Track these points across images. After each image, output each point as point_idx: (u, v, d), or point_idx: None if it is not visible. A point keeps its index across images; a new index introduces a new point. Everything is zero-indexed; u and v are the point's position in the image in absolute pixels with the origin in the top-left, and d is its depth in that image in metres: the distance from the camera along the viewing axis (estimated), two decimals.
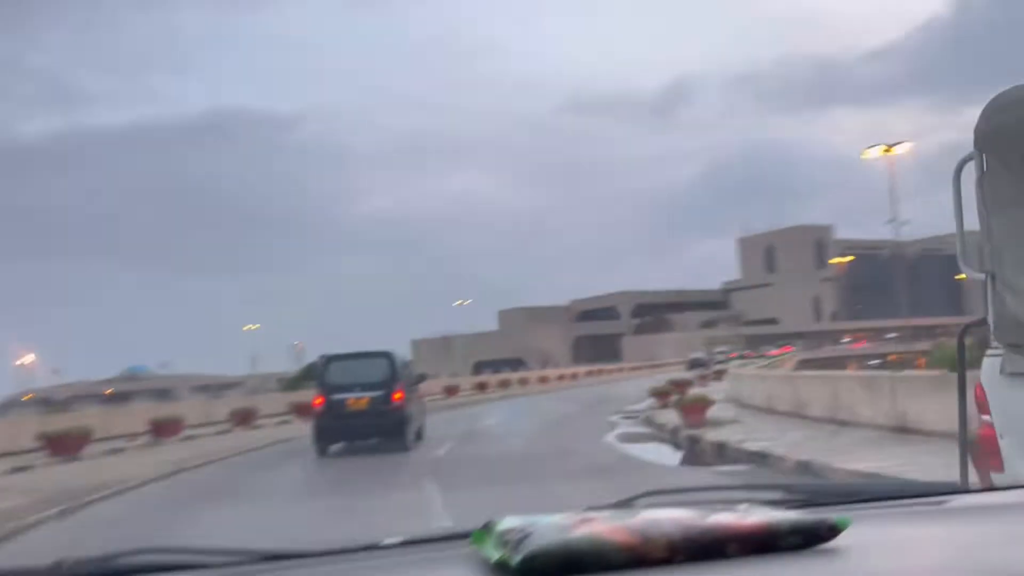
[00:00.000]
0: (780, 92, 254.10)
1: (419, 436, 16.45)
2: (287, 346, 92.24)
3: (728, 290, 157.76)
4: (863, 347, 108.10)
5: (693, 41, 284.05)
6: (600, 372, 56.18)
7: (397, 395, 14.95)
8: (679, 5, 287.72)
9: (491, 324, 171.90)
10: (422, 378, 19.92)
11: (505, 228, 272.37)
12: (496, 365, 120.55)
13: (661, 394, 20.56)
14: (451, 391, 35.66)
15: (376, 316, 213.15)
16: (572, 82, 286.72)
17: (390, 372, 15.32)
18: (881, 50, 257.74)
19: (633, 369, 63.41)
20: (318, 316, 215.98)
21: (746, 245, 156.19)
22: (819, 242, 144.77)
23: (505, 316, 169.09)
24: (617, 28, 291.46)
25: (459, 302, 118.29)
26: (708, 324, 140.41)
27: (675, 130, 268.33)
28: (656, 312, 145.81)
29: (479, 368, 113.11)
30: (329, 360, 15.94)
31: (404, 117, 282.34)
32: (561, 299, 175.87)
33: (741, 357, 71.34)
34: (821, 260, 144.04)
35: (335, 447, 15.45)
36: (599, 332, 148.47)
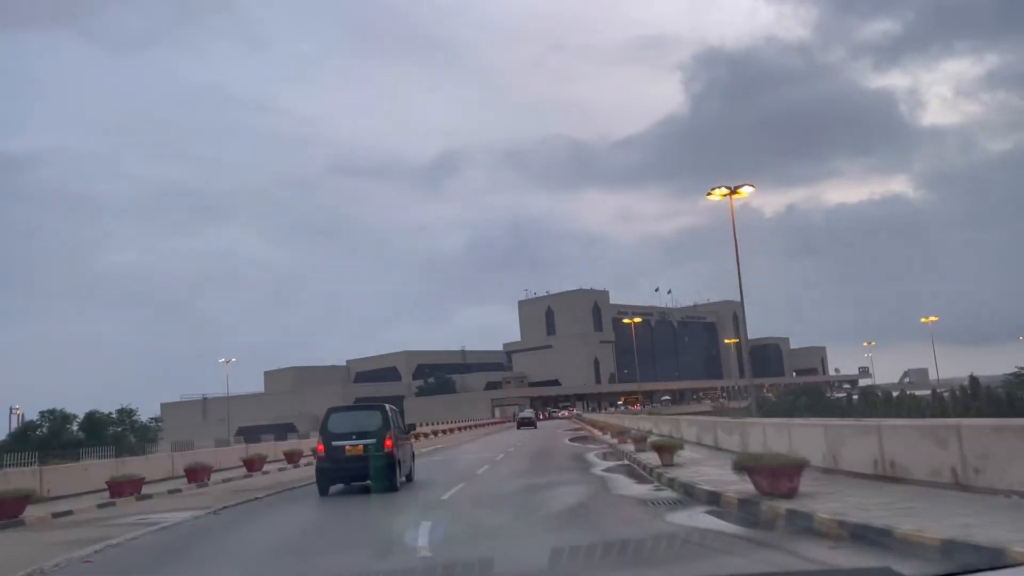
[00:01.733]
0: (542, 170, 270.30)
1: (409, 478, 18.24)
2: (5, 410, 76.34)
3: (511, 352, 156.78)
4: (638, 410, 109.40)
5: (463, 115, 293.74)
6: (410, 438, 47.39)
7: (388, 442, 16.38)
8: (451, 79, 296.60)
9: (257, 386, 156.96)
10: (412, 428, 22.79)
11: (271, 287, 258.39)
12: (260, 432, 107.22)
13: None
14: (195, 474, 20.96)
15: (121, 377, 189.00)
16: (343, 144, 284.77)
17: (382, 422, 16.78)
18: (629, 139, 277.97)
19: (448, 432, 56.56)
20: (47, 376, 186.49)
21: (526, 308, 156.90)
22: (596, 306, 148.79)
23: (272, 377, 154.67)
24: (391, 95, 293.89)
25: (223, 360, 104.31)
26: (493, 385, 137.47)
27: (444, 199, 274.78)
28: (438, 373, 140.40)
29: (242, 433, 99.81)
30: (330, 412, 17.52)
31: (161, 167, 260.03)
32: (336, 359, 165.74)
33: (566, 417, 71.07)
34: (599, 323, 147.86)
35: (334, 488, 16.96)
36: (378, 394, 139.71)
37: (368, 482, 16.40)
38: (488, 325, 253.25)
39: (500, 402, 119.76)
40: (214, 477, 22.24)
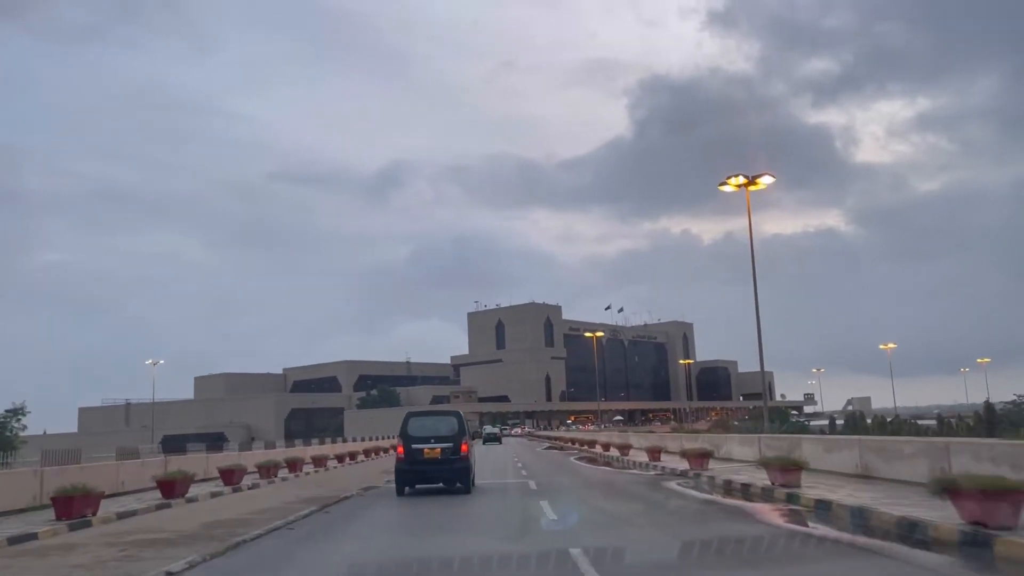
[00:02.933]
0: (489, 187, 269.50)
1: (472, 483, 18.06)
2: None
3: (458, 365, 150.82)
4: (590, 429, 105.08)
5: (411, 128, 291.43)
6: (352, 456, 38.26)
7: (464, 446, 17.18)
8: (401, 91, 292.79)
9: (186, 392, 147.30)
10: (476, 433, 24.09)
11: (209, 293, 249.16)
12: (187, 441, 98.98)
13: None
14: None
15: (42, 379, 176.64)
16: (289, 151, 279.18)
17: (459, 427, 17.50)
18: (576, 160, 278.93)
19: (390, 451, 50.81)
20: None
21: (476, 320, 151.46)
22: (548, 320, 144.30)
23: (203, 384, 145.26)
24: (339, 105, 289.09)
25: (150, 361, 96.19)
26: (439, 399, 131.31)
27: (390, 211, 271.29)
28: (382, 385, 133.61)
29: (168, 443, 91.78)
30: (409, 416, 18.09)
31: (98, 165, 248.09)
32: (274, 367, 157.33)
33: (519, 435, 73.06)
34: (550, 338, 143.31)
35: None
36: (316, 405, 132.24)
37: (441, 484, 17.36)
38: (432, 340, 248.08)
39: None
40: (107, 508, 14.62)
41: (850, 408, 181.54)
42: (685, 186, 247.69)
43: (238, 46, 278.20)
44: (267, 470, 24.55)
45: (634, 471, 24.15)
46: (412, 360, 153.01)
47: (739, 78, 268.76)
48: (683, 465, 21.37)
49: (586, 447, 44.62)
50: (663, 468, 22.88)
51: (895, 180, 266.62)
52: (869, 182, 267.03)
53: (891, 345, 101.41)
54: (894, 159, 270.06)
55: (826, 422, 72.12)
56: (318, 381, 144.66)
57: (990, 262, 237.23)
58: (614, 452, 33.78)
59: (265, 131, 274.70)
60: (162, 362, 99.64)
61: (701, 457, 20.71)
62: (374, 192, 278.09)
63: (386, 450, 47.00)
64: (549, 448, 49.73)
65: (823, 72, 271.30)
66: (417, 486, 17.63)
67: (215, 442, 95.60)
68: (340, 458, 36.89)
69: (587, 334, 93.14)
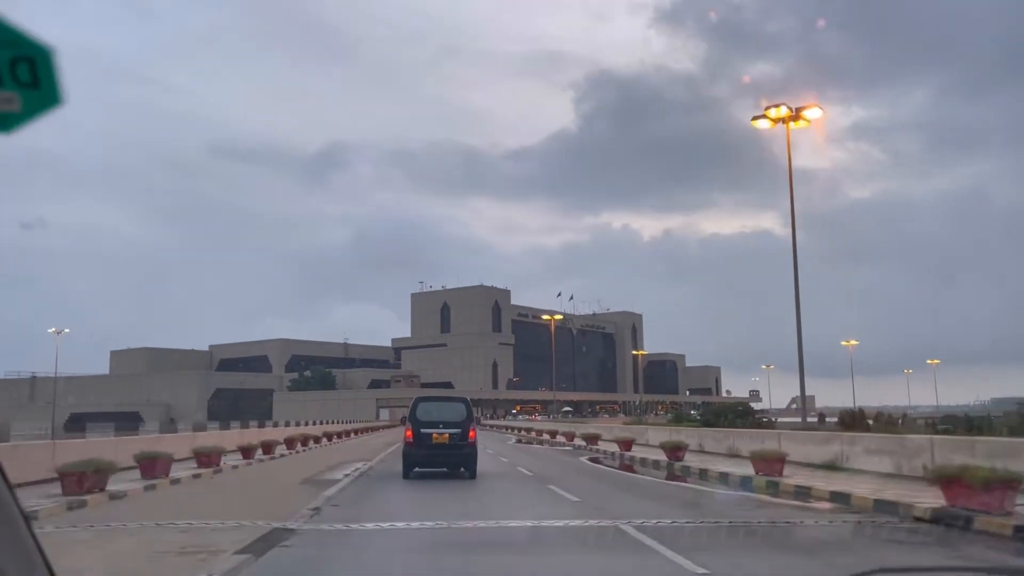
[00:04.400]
0: (431, 173, 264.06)
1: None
2: None
3: (400, 348, 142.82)
4: (537, 420, 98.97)
5: (355, 109, 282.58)
6: (268, 448, 29.31)
7: (472, 433, 17.51)
8: (346, 71, 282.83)
9: (102, 367, 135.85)
10: (478, 420, 27.05)
11: (137, 268, 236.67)
12: (98, 420, 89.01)
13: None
14: None
15: None
16: (227, 126, 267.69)
17: (466, 414, 17.87)
18: (521, 151, 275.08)
19: (330, 439, 43.14)
20: None
21: (420, 302, 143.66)
22: (497, 305, 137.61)
23: (120, 359, 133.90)
24: (281, 81, 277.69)
25: (54, 330, 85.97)
26: (379, 384, 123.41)
27: (329, 193, 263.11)
28: (317, 367, 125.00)
29: (75, 423, 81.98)
30: (418, 401, 18.39)
31: (22, 130, 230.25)
32: (200, 344, 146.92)
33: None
34: (498, 323, 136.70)
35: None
36: (244, 385, 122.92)
37: (445, 468, 17.72)
38: (371, 325, 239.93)
39: (387, 403, 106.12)
40: None
41: (794, 407, 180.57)
42: (627, 182, 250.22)
43: (178, 15, 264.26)
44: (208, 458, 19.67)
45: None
46: (352, 342, 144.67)
47: (684, 77, 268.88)
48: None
49: (573, 441, 39.30)
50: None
51: (830, 186, 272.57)
52: (805, 186, 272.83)
53: (853, 342, 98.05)
54: (829, 165, 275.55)
55: (796, 419, 67.66)
56: (247, 360, 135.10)
57: (915, 271, 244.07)
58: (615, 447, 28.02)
59: (201, 104, 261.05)
60: (67, 331, 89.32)
61: (676, 449, 22.01)
62: (314, 173, 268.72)
63: (319, 439, 39.48)
64: (521, 442, 43.65)
65: (765, 75, 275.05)
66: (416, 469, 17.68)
67: (130, 422, 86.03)
68: (248, 452, 29.14)
69: (545, 316, 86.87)
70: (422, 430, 17.24)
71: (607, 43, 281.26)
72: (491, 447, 33.69)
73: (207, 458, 19.49)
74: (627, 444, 25.92)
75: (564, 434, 40.15)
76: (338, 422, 71.15)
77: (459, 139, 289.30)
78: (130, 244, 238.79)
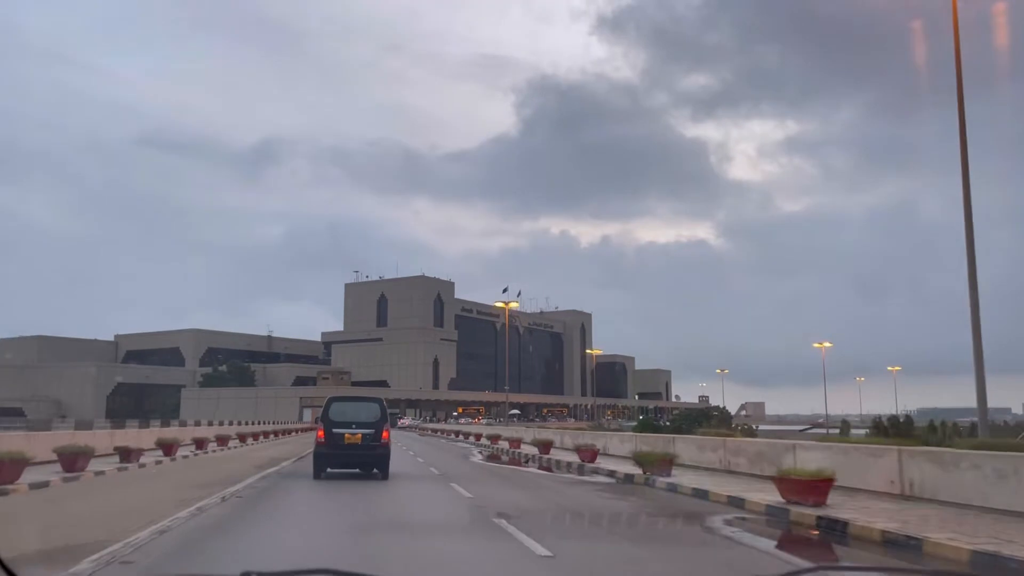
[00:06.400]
0: (370, 172, 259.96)
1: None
2: None
3: (330, 342, 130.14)
4: (480, 423, 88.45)
5: (291, 104, 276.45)
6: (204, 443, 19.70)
7: (385, 433, 17.06)
8: (283, 65, 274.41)
9: None
10: (394, 418, 29.30)
11: (52, 259, 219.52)
12: None
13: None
14: None
15: None
16: (157, 116, 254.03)
17: (380, 415, 17.24)
18: (461, 153, 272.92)
19: (276, 434, 31.44)
20: None
21: (355, 292, 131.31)
22: (439, 297, 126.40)
23: (7, 347, 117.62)
24: (216, 72, 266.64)
25: None
26: (305, 381, 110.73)
27: (263, 188, 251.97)
28: (235, 360, 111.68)
29: None
30: (331, 401, 17.73)
31: None
32: (105, 334, 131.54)
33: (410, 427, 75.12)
34: (440, 318, 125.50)
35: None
36: (151, 380, 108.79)
37: (358, 469, 17.22)
38: (301, 324, 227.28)
39: (312, 402, 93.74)
40: None
41: (744, 413, 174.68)
42: (566, 188, 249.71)
43: None
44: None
45: None
46: (276, 336, 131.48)
47: (623, 86, 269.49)
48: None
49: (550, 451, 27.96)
50: None
51: (762, 198, 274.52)
52: (739, 198, 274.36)
53: (827, 344, 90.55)
54: (763, 178, 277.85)
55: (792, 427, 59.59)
56: (158, 352, 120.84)
57: (841, 282, 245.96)
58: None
59: (128, 91, 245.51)
60: None
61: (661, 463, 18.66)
62: (248, 167, 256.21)
63: (203, 443, 28.13)
64: (498, 460, 30.85)
65: (702, 87, 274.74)
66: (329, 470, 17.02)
67: (10, 417, 71.47)
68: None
69: (499, 304, 76.12)
70: (334, 430, 16.86)
71: (549, 49, 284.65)
72: (447, 468, 21.20)
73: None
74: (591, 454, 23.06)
75: (540, 444, 27.86)
76: (255, 422, 60.52)
77: (399, 139, 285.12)
78: (47, 234, 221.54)
